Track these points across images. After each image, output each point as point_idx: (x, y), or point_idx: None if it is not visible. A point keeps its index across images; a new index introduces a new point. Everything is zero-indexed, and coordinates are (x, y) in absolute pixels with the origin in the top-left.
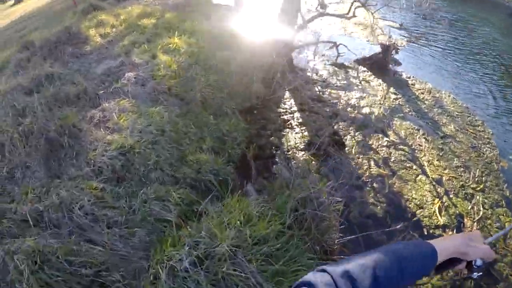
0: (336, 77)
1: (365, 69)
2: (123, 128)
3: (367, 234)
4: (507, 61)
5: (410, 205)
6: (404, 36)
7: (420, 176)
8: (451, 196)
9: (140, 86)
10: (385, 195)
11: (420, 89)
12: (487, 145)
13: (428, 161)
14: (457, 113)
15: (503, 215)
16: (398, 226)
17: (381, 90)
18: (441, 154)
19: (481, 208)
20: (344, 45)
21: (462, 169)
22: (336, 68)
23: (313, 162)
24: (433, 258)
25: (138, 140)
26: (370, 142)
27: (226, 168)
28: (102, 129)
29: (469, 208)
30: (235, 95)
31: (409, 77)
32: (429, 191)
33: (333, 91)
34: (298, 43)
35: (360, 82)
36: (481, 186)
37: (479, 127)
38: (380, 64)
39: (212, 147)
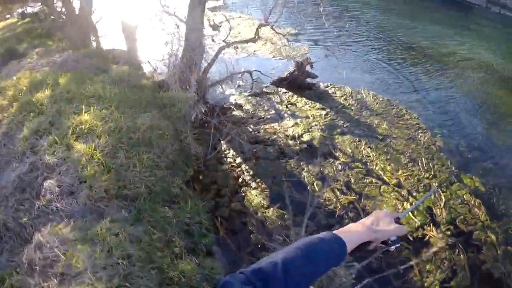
0: (262, 108)
1: (285, 90)
2: (80, 270)
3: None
4: (402, 37)
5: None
6: (306, 42)
7: (383, 187)
8: (414, 194)
9: (70, 198)
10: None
11: (341, 96)
12: (419, 131)
13: (382, 169)
14: (382, 109)
15: (459, 190)
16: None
17: (309, 110)
18: (388, 157)
19: (441, 193)
20: (258, 70)
21: (410, 163)
22: (257, 98)
23: (285, 215)
24: (342, 248)
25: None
26: (326, 171)
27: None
28: (52, 279)
29: (432, 198)
30: (175, 166)
31: (327, 86)
32: (396, 199)
33: (266, 126)
34: (209, 81)
35: (287, 107)
36: (432, 173)
37: (406, 115)
38: (298, 81)
39: (185, 247)
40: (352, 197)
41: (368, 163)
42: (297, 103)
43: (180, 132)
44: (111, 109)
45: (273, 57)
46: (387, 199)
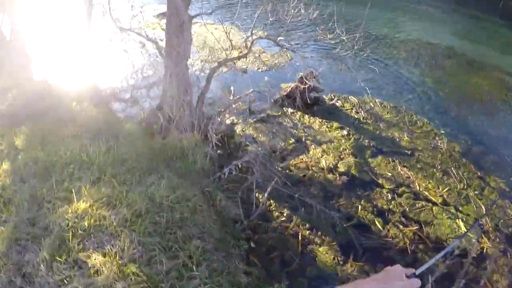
0: (277, 136)
1: (291, 109)
2: None
3: None
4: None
5: (450, 242)
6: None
7: (434, 209)
8: (461, 209)
9: None
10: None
11: (351, 108)
12: (437, 138)
13: (425, 188)
14: (395, 118)
15: (490, 194)
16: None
17: (328, 131)
18: (425, 174)
19: (479, 202)
20: (257, 91)
21: (445, 176)
22: (266, 124)
23: (364, 266)
24: None
25: None
26: (376, 203)
27: None
28: None
29: (475, 209)
30: (223, 244)
31: (332, 98)
32: (449, 218)
33: (295, 161)
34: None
35: (304, 131)
36: (465, 182)
37: (419, 122)
38: (303, 97)
39: None
40: (414, 227)
41: (410, 185)
42: (312, 125)
43: (207, 193)
44: (107, 181)
45: (258, 69)
46: (441, 220)
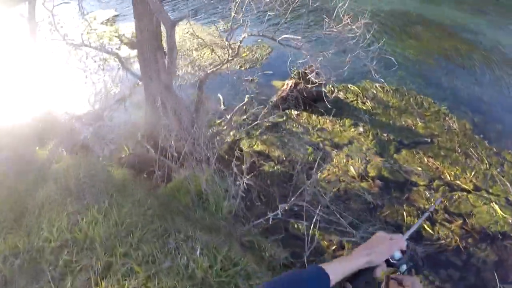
0: (291, 147)
1: (296, 112)
2: None
3: None
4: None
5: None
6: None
7: (469, 197)
8: (491, 191)
9: None
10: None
11: (355, 99)
12: (447, 118)
13: (455, 176)
14: (402, 103)
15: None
16: None
17: (344, 131)
18: (450, 161)
19: (504, 180)
20: (252, 96)
21: (467, 159)
22: (273, 133)
23: (429, 276)
24: (323, 279)
25: None
26: (418, 204)
27: None
28: None
29: (502, 188)
30: None
31: (333, 91)
32: (485, 204)
33: (321, 175)
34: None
35: (319, 136)
36: (485, 161)
37: (424, 102)
38: (304, 95)
39: None
40: (459, 222)
41: (441, 176)
42: (324, 126)
43: (248, 244)
44: (123, 264)
45: (241, 67)
46: (479, 208)
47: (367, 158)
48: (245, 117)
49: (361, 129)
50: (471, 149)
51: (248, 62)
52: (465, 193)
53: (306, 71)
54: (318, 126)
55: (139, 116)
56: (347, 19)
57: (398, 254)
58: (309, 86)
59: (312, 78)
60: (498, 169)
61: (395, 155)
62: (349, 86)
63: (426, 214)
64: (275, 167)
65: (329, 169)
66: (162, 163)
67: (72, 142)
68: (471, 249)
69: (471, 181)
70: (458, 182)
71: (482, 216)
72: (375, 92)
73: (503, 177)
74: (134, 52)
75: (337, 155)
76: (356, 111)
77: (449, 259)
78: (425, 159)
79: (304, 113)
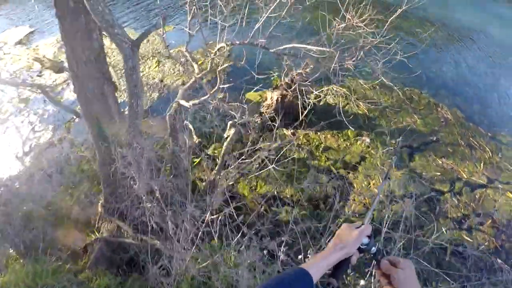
0: (303, 180)
1: (291, 130)
2: None
3: None
4: None
5: None
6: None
7: (489, 192)
8: (501, 179)
9: None
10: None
11: (347, 102)
12: (439, 109)
13: (469, 173)
14: (394, 101)
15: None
16: None
17: (349, 144)
18: (459, 157)
19: (508, 166)
20: (239, 123)
21: (472, 151)
22: (274, 164)
23: None
24: (308, 280)
25: None
26: (451, 215)
27: None
28: None
29: (508, 173)
30: None
31: (319, 96)
32: (502, 194)
33: (348, 209)
34: None
35: (326, 157)
36: (487, 149)
37: (414, 96)
38: (293, 108)
39: None
40: (489, 221)
41: (459, 176)
42: (328, 144)
43: None
44: None
45: (203, 79)
46: (499, 201)
47: (390, 177)
48: (224, 148)
49: (367, 140)
50: (471, 139)
51: (208, 72)
52: (483, 189)
53: (293, 79)
54: (321, 145)
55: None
56: None
57: (366, 240)
58: (299, 96)
59: (299, 87)
60: (500, 155)
61: (411, 164)
62: (334, 88)
63: (377, 199)
64: (293, 211)
65: (354, 199)
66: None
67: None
68: (506, 245)
69: (483, 174)
70: (473, 178)
71: (505, 208)
72: (363, 90)
73: (505, 162)
74: (62, 77)
75: (355, 178)
76: (353, 118)
77: (497, 264)
78: (439, 161)
79: (299, 132)
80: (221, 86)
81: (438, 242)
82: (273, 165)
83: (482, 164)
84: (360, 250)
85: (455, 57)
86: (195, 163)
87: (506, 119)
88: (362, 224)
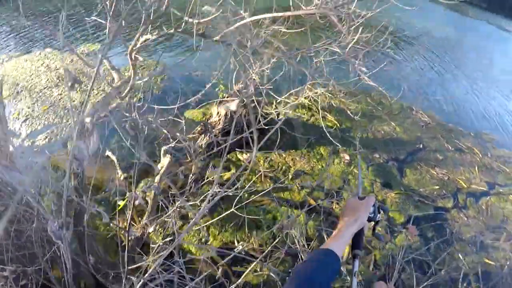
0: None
1: (245, 155)
2: None
3: None
4: None
5: None
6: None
7: (493, 200)
8: (500, 182)
9: None
10: None
11: (308, 115)
12: (415, 113)
13: (466, 181)
14: (366, 107)
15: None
16: None
17: (328, 165)
18: (450, 163)
19: (502, 167)
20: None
21: (462, 155)
22: (238, 210)
23: None
24: (337, 259)
25: None
26: (464, 236)
27: None
28: None
29: (505, 174)
30: None
31: (276, 107)
32: (507, 200)
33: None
34: None
35: (305, 189)
36: (476, 151)
37: (384, 101)
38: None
39: None
40: (504, 235)
41: (458, 187)
42: (300, 168)
43: None
44: None
45: (133, 98)
46: (507, 208)
47: (378, 198)
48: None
49: (346, 156)
50: (456, 141)
51: (136, 89)
52: (487, 198)
53: (248, 87)
54: (290, 170)
55: None
56: None
57: (371, 208)
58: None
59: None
60: (489, 155)
61: (404, 180)
62: (291, 99)
63: (360, 171)
64: (265, 269)
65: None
66: None
67: None
68: None
69: (481, 179)
70: (473, 186)
71: None
72: (326, 98)
73: (497, 162)
74: None
75: (341, 208)
76: (321, 132)
77: None
78: (432, 171)
79: (259, 155)
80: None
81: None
82: (234, 209)
83: (476, 168)
84: (368, 219)
85: (413, 59)
86: (119, 208)
87: (481, 115)
88: (360, 196)
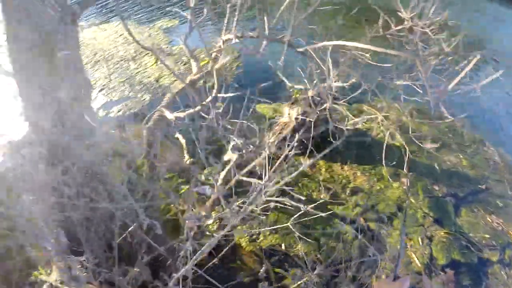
0: (321, 241)
1: (309, 162)
2: None
3: None
4: None
5: None
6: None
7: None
8: None
9: None
10: None
11: (381, 130)
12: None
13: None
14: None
15: None
16: None
17: (384, 187)
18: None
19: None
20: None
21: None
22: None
23: None
24: None
25: None
26: None
27: None
28: None
29: None
30: None
31: (346, 118)
32: None
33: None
34: None
35: (358, 206)
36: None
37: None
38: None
39: None
40: None
41: (510, 242)
42: (358, 184)
43: None
44: None
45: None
46: None
47: (427, 234)
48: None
49: (404, 180)
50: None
51: (207, 74)
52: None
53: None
54: (349, 185)
55: None
56: None
57: None
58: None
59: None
60: None
61: (457, 220)
62: (364, 107)
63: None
64: (307, 277)
65: (384, 266)
66: None
67: None
68: None
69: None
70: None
71: None
72: (396, 116)
73: None
74: None
75: (388, 236)
76: (388, 150)
77: None
78: (488, 218)
79: (322, 163)
80: (219, 95)
81: None
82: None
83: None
84: None
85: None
86: (182, 191)
87: None
88: (396, 276)
